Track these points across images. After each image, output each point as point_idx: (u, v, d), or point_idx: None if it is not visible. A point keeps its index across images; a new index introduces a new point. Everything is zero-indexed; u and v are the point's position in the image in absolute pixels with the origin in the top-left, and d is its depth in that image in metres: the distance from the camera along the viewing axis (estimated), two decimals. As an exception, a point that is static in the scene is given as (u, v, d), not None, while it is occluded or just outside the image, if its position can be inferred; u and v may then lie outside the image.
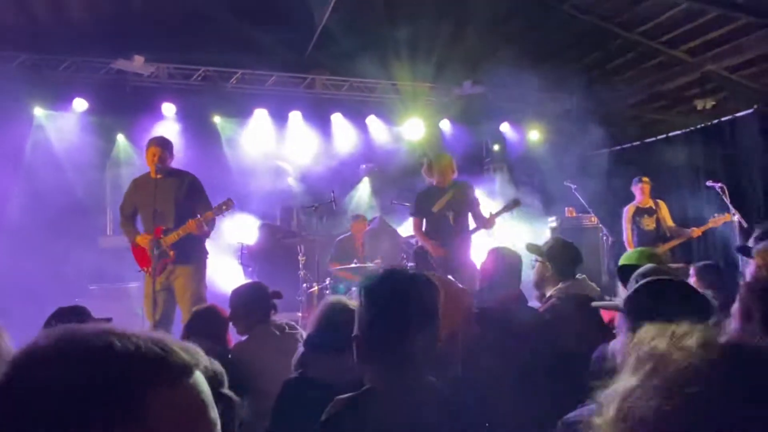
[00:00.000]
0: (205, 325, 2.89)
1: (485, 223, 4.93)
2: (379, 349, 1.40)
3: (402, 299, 1.41)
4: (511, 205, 5.05)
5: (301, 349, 2.23)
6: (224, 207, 4.40)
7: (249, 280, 6.54)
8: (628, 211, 6.38)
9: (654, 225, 6.23)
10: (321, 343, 2.05)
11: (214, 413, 0.66)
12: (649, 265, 2.51)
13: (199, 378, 0.66)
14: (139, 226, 4.58)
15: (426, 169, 5.20)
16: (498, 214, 4.98)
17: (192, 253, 4.44)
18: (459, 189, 5.09)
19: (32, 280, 6.53)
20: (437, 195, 5.05)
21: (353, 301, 2.35)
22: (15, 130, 6.85)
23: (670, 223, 6.31)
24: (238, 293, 3.07)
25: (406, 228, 7.61)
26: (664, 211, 6.35)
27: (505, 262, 2.80)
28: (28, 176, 6.95)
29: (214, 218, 4.47)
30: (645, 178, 6.39)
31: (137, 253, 4.50)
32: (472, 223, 5.06)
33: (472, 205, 5.08)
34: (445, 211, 5.00)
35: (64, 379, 0.58)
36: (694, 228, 6.15)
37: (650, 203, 6.33)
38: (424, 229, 5.11)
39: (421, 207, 5.13)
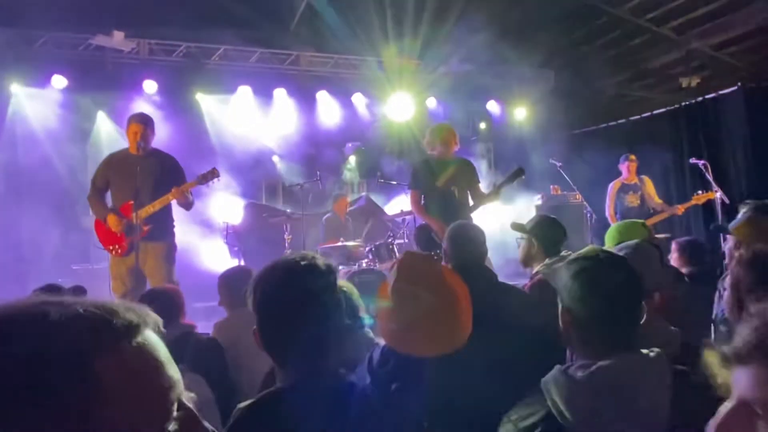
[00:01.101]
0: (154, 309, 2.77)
1: (484, 199, 4.70)
2: (274, 345, 1.32)
3: (287, 291, 1.32)
4: (516, 175, 4.71)
5: None
6: (209, 176, 4.30)
7: (234, 260, 6.54)
8: (612, 187, 6.48)
9: (638, 202, 6.32)
10: None
11: (173, 371, 0.65)
12: (632, 242, 2.53)
13: (150, 336, 0.64)
14: (108, 203, 4.42)
15: (428, 139, 4.85)
16: (503, 184, 4.68)
17: (164, 230, 4.33)
18: (462, 163, 4.86)
19: (15, 260, 6.47)
20: (439, 168, 4.69)
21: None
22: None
23: (656, 200, 6.39)
24: (225, 276, 3.09)
25: (392, 206, 7.61)
26: (650, 188, 6.43)
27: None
28: (6, 155, 6.82)
29: (191, 193, 4.38)
30: (632, 156, 6.49)
31: (102, 229, 4.29)
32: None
33: (474, 181, 4.84)
34: (450, 185, 4.66)
35: (5, 357, 0.55)
36: (678, 205, 6.24)
37: (635, 180, 6.44)
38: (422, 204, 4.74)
39: (420, 179, 4.70)
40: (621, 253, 2.46)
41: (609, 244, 3.14)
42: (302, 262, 1.36)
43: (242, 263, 6.62)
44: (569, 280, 1.43)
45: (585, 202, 6.70)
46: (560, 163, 6.35)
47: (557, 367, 1.33)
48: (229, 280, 3.04)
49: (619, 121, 8.97)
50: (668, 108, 8.28)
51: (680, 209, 6.20)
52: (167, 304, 2.68)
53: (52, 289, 2.71)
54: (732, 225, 2.71)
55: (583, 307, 1.39)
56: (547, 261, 2.83)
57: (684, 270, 3.45)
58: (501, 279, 2.65)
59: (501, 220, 7.88)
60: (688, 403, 1.19)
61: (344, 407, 1.24)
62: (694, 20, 7.73)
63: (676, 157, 7.78)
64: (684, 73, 8.71)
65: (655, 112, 8.43)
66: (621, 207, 6.34)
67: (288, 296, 1.31)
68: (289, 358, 1.31)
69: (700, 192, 6.14)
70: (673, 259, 3.59)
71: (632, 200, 6.33)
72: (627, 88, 9.52)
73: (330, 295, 1.36)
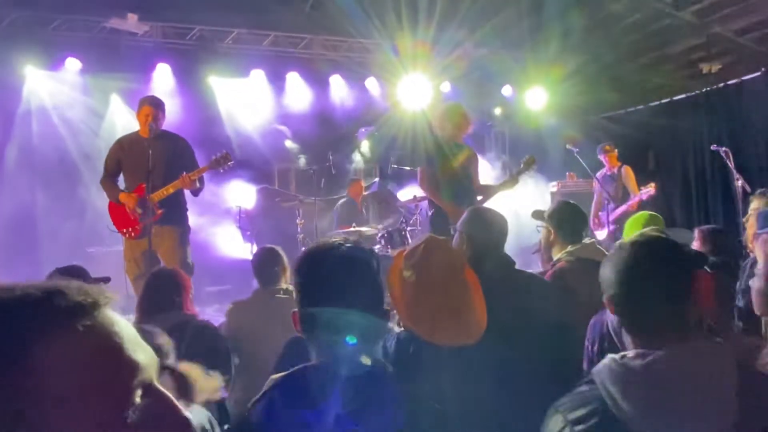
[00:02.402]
0: (156, 294, 2.72)
1: (499, 187, 4.68)
2: (312, 322, 1.31)
3: (335, 266, 1.32)
4: (529, 164, 4.77)
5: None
6: (222, 160, 4.27)
7: (247, 244, 6.54)
8: (596, 178, 6.58)
9: (615, 191, 6.36)
10: None
11: (140, 354, 0.60)
12: (645, 230, 2.48)
13: (106, 317, 0.59)
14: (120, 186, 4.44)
15: (440, 119, 4.68)
16: (519, 173, 4.72)
17: (178, 213, 4.34)
18: (472, 151, 4.77)
19: (29, 241, 6.52)
20: (452, 150, 4.53)
21: None
22: (7, 90, 6.73)
23: (635, 189, 6.37)
24: (255, 255, 3.29)
25: (405, 192, 7.56)
26: (629, 178, 6.46)
27: None
28: (21, 137, 6.85)
29: (202, 176, 4.37)
30: (608, 147, 6.57)
31: (116, 213, 4.31)
32: None
33: (477, 173, 4.75)
34: (465, 169, 4.55)
35: None
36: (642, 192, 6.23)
37: (614, 170, 6.52)
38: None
39: (434, 159, 4.49)
40: None
41: (629, 233, 3.10)
42: (347, 244, 1.37)
43: (255, 247, 6.63)
44: (616, 265, 1.37)
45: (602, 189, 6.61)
46: (577, 149, 6.25)
47: (610, 356, 1.25)
48: (257, 261, 3.15)
49: (638, 107, 8.80)
50: (689, 94, 8.11)
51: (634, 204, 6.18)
52: (168, 290, 2.65)
53: (75, 271, 2.69)
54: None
55: (633, 291, 1.33)
56: (569, 248, 2.78)
57: (707, 259, 3.37)
58: (520, 266, 2.60)
59: (516, 207, 7.82)
60: (755, 398, 1.14)
61: (373, 389, 1.23)
62: (715, 5, 7.53)
63: (697, 144, 7.62)
64: (705, 59, 8.52)
65: (675, 98, 8.25)
66: (604, 197, 6.36)
67: (335, 271, 1.31)
68: (327, 334, 1.30)
69: (641, 188, 6.20)
70: (696, 247, 3.51)
71: (610, 190, 6.35)
72: (647, 74, 9.33)
73: (374, 275, 1.36)
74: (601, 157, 6.59)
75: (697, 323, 1.34)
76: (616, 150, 6.54)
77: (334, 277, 1.30)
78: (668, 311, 1.28)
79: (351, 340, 1.28)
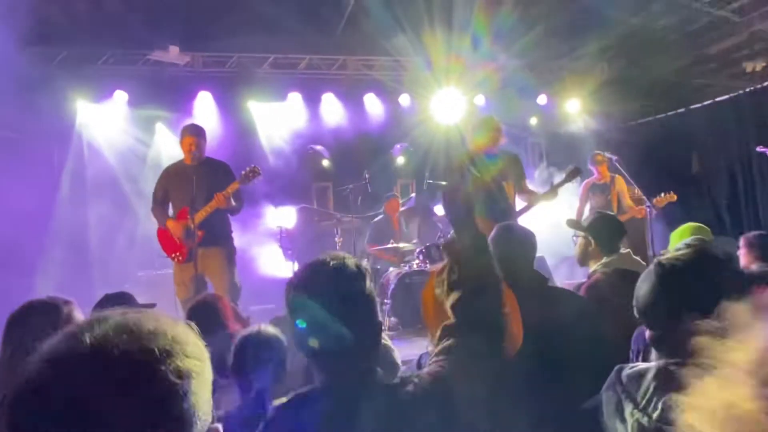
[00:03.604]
0: (200, 321, 2.78)
1: (540, 198, 4.65)
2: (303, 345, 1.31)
3: (320, 290, 1.31)
4: (572, 174, 4.71)
5: None
6: (251, 174, 4.39)
7: (288, 263, 6.67)
8: (584, 186, 6.46)
9: (603, 201, 6.23)
10: None
11: None
12: (693, 237, 2.46)
13: None
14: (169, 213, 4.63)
15: (473, 133, 4.75)
16: (560, 184, 4.65)
17: (221, 234, 4.46)
18: (510, 157, 4.76)
19: (83, 265, 6.83)
20: (486, 162, 4.54)
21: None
22: (61, 123, 7.11)
23: (628, 201, 6.25)
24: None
25: (441, 207, 7.57)
26: (621, 188, 6.32)
27: None
28: (74, 166, 7.21)
29: (241, 194, 4.48)
30: (599, 156, 6.40)
31: (164, 238, 4.49)
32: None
33: (522, 176, 4.73)
34: (499, 180, 4.55)
35: None
36: (642, 207, 6.03)
37: (607, 179, 6.35)
38: None
39: (464, 172, 4.55)
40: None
41: (675, 243, 3.05)
42: (332, 263, 1.35)
43: (296, 265, 6.75)
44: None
45: (644, 197, 6.46)
46: (616, 157, 6.14)
47: None
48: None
49: (679, 111, 8.58)
50: (731, 95, 7.86)
51: (642, 211, 5.98)
52: (206, 316, 2.72)
53: (122, 298, 2.82)
54: None
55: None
56: (604, 260, 2.76)
57: (753, 267, 3.26)
58: (556, 276, 2.59)
59: (556, 216, 7.70)
60: None
61: (382, 410, 1.23)
62: (755, 1, 7.31)
63: (742, 146, 7.37)
64: (748, 57, 8.26)
65: (717, 99, 8.02)
66: (590, 207, 6.29)
67: (317, 296, 1.30)
68: (320, 358, 1.30)
69: (663, 194, 6.00)
70: (742, 255, 3.41)
71: (599, 200, 6.23)
72: (686, 76, 9.10)
73: (360, 296, 1.34)
74: (592, 167, 6.41)
75: None
76: (607, 160, 6.33)
77: (320, 294, 1.30)
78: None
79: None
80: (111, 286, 5.68)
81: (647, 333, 1.44)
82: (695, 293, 1.32)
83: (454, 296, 1.47)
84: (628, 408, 1.31)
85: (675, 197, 6.01)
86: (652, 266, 1.44)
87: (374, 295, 1.39)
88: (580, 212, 6.38)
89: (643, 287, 1.43)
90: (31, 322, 1.83)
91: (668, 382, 1.25)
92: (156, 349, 0.67)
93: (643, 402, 1.28)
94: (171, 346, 0.69)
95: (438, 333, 1.47)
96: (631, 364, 1.38)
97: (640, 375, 1.33)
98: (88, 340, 0.66)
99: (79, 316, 1.96)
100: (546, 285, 2.31)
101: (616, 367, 1.40)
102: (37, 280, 6.25)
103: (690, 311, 1.27)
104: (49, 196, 6.79)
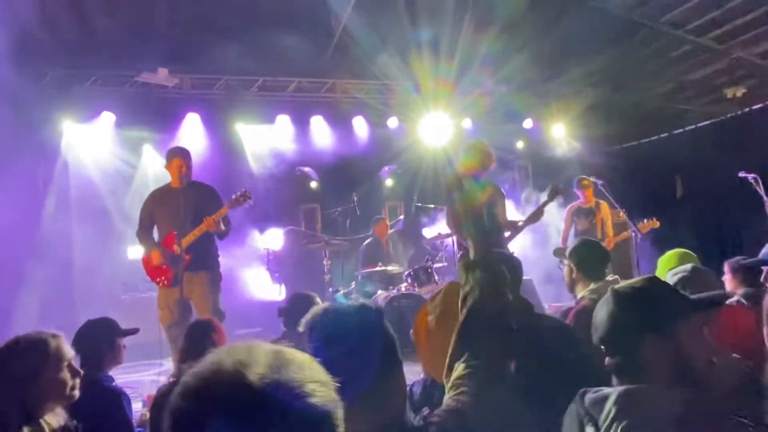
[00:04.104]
0: (195, 344, 2.79)
1: (526, 221, 4.73)
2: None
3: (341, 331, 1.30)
4: (554, 193, 4.78)
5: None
6: (241, 199, 4.37)
7: (276, 286, 6.63)
8: (568, 209, 6.53)
9: (588, 225, 6.31)
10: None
11: None
12: (689, 266, 2.47)
13: None
14: (155, 237, 4.58)
15: (463, 157, 4.76)
16: (544, 204, 4.74)
17: (209, 259, 4.44)
18: (496, 186, 4.85)
19: (67, 288, 6.72)
20: (476, 186, 4.57)
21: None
22: (47, 143, 7.06)
23: (609, 228, 6.37)
24: (287, 301, 3.40)
25: (430, 230, 7.59)
26: (605, 214, 6.42)
27: None
28: (59, 188, 7.14)
29: (229, 218, 4.46)
30: (585, 181, 6.45)
31: (149, 263, 4.45)
32: None
33: (503, 208, 4.79)
34: (488, 204, 4.61)
35: None
36: (627, 231, 6.19)
37: (591, 204, 6.42)
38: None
39: (453, 198, 4.55)
40: (678, 277, 2.41)
41: (662, 269, 3.06)
42: (354, 306, 1.39)
43: (283, 288, 6.71)
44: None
45: (629, 221, 6.53)
46: (601, 182, 6.22)
47: None
48: (290, 306, 3.25)
49: (662, 135, 8.73)
50: (713, 120, 8.02)
51: (616, 238, 6.24)
52: (205, 339, 2.72)
53: (104, 324, 2.79)
54: (762, 253, 2.61)
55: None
56: (592, 286, 2.76)
57: (739, 291, 3.29)
58: (543, 298, 2.59)
59: (544, 238, 7.76)
60: None
61: None
62: (736, 29, 7.51)
63: (725, 171, 7.47)
64: (729, 84, 8.45)
65: (699, 124, 8.17)
66: (575, 230, 6.38)
67: (343, 337, 1.29)
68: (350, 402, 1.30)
69: (645, 220, 6.14)
70: (727, 280, 3.43)
71: (583, 224, 6.31)
72: (669, 101, 9.29)
73: (383, 336, 1.35)
74: (578, 191, 6.47)
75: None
76: (592, 184, 6.39)
77: (346, 342, 1.28)
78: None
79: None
80: (94, 307, 5.61)
81: (606, 360, 1.47)
82: (651, 317, 1.38)
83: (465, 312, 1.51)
84: (589, 431, 1.33)
85: (658, 223, 6.11)
86: (608, 294, 1.49)
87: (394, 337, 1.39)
88: (565, 236, 6.45)
89: (600, 315, 1.48)
90: (20, 358, 1.81)
91: (629, 407, 1.29)
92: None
93: (605, 426, 1.29)
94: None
95: (446, 364, 1.46)
96: (595, 388, 1.40)
97: (603, 399, 1.35)
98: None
99: (68, 349, 1.93)
100: (532, 312, 2.31)
101: (581, 391, 1.43)
102: (19, 299, 6.15)
103: (647, 334, 1.36)
104: (33, 216, 6.71)
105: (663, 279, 2.92)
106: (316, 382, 0.75)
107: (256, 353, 0.75)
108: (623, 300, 1.43)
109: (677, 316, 1.38)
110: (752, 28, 7.39)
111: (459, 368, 1.44)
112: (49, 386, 1.82)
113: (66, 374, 1.87)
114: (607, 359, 1.45)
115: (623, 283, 1.52)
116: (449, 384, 1.43)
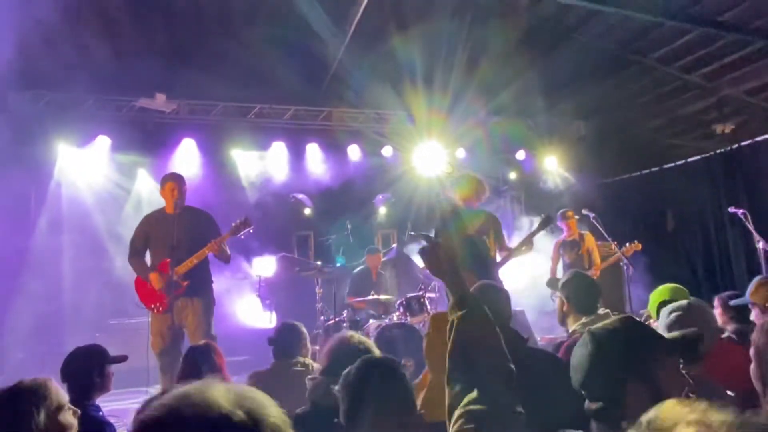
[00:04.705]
0: (194, 367, 2.81)
1: (516, 251, 4.79)
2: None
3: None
4: (545, 223, 4.84)
5: (313, 381, 2.24)
6: (242, 226, 4.36)
7: (266, 313, 6.57)
8: (555, 244, 6.62)
9: (575, 257, 6.38)
10: (334, 376, 2.05)
11: None
12: (684, 302, 2.46)
13: None
14: (148, 262, 4.57)
15: (456, 188, 4.96)
16: (534, 233, 4.80)
17: (203, 285, 4.43)
18: (490, 215, 4.95)
19: (55, 313, 6.64)
20: (469, 216, 4.75)
21: (363, 336, 2.37)
22: (40, 166, 7.05)
23: (596, 257, 6.43)
24: (276, 331, 3.35)
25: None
26: (590, 244, 6.49)
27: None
28: (51, 211, 7.11)
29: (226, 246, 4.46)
30: (568, 213, 6.60)
31: (142, 288, 4.41)
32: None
33: (501, 235, 4.90)
34: (481, 233, 4.72)
35: None
36: (610, 258, 6.38)
37: (575, 236, 6.51)
38: None
39: (450, 227, 4.81)
40: (675, 315, 2.40)
41: (654, 304, 3.07)
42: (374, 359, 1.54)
43: (274, 316, 6.65)
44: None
45: (621, 254, 6.57)
46: (593, 214, 6.27)
47: None
48: (278, 335, 3.25)
49: (653, 170, 8.84)
50: (703, 155, 8.14)
51: (599, 268, 6.30)
52: (204, 362, 2.72)
53: (94, 352, 2.77)
54: (748, 291, 2.63)
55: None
56: (583, 320, 2.77)
57: (729, 327, 3.30)
58: (536, 330, 2.58)
59: (536, 270, 7.77)
60: None
61: None
62: (724, 67, 7.67)
63: (714, 206, 7.57)
64: (718, 120, 8.60)
65: (689, 159, 8.29)
66: (562, 262, 6.45)
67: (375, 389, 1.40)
68: None
69: (628, 244, 6.26)
70: (717, 314, 3.44)
71: (570, 256, 6.38)
72: (659, 136, 9.43)
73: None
74: (561, 224, 6.52)
75: None
76: (576, 217, 6.52)
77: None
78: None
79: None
80: (83, 332, 5.54)
81: (586, 404, 1.43)
82: (632, 361, 1.35)
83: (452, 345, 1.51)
84: None
85: (639, 246, 6.22)
86: (585, 336, 1.45)
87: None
88: (554, 270, 6.52)
89: (579, 358, 1.44)
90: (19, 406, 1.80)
91: None
92: None
93: None
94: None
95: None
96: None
97: None
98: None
99: (62, 394, 1.92)
100: (524, 344, 2.30)
101: None
102: (7, 323, 6.07)
103: (628, 379, 1.33)
104: (24, 237, 6.66)
105: (654, 314, 2.93)
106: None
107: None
108: (602, 343, 1.39)
109: (657, 359, 1.36)
110: (740, 66, 7.56)
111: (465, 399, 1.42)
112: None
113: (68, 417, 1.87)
114: (587, 403, 1.41)
115: (599, 325, 1.48)
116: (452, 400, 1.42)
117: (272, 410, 0.78)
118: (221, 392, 0.76)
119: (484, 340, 1.49)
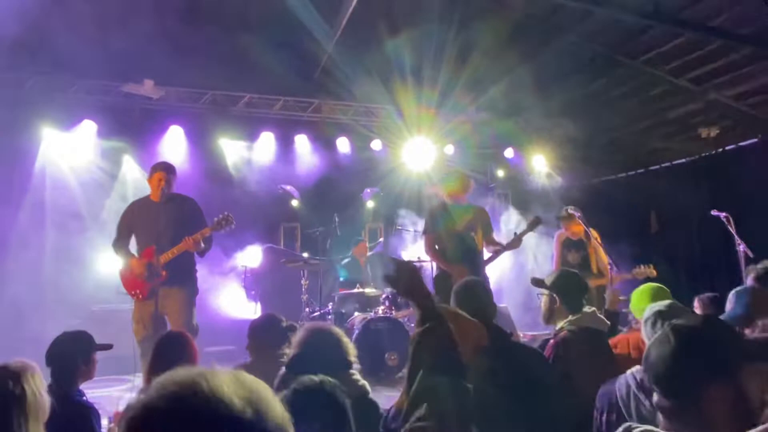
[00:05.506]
0: (164, 358, 2.70)
1: (504, 248, 4.83)
2: None
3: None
4: (534, 224, 4.90)
5: (282, 370, 2.26)
6: (223, 222, 4.35)
7: (251, 303, 6.55)
8: (557, 238, 6.05)
9: (579, 259, 5.86)
10: (302, 365, 2.07)
11: None
12: (667, 302, 2.47)
13: None
14: (133, 249, 4.53)
15: (443, 184, 4.99)
16: (523, 233, 4.83)
17: (186, 275, 4.40)
18: (479, 210, 5.00)
19: (37, 298, 6.56)
20: (457, 212, 4.79)
21: (336, 328, 2.39)
22: (24, 149, 6.94)
23: (603, 259, 5.71)
24: (254, 324, 3.24)
25: (409, 252, 7.61)
26: (600, 252, 5.74)
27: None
28: (35, 195, 7.01)
29: (211, 236, 4.43)
30: (569, 213, 5.79)
31: (125, 276, 4.40)
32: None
33: (490, 229, 4.95)
34: (469, 229, 4.76)
35: None
36: (614, 275, 5.45)
37: (581, 236, 5.85)
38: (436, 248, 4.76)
39: (437, 224, 4.80)
40: (654, 311, 2.42)
41: (636, 303, 3.09)
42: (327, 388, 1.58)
43: (259, 307, 6.63)
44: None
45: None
46: (579, 213, 6.29)
47: None
48: (258, 328, 3.17)
49: (639, 171, 8.94)
50: (688, 158, 8.24)
51: (616, 279, 5.45)
52: (175, 353, 2.66)
53: (81, 338, 2.74)
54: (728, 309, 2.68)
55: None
56: (570, 318, 2.80)
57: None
58: (519, 327, 2.62)
59: (521, 267, 7.83)
60: None
61: None
62: (712, 71, 7.76)
63: (698, 209, 7.68)
64: (704, 123, 8.70)
65: (675, 162, 8.38)
66: (563, 261, 5.90)
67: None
68: None
69: (641, 266, 5.76)
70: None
71: (573, 257, 5.89)
72: (646, 138, 9.52)
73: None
74: (564, 229, 6.02)
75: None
76: (576, 214, 5.68)
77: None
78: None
79: None
80: (64, 318, 5.47)
81: (655, 398, 1.37)
82: (719, 363, 1.30)
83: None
84: None
85: (655, 272, 5.73)
86: (666, 331, 1.38)
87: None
88: (558, 263, 5.99)
89: (658, 353, 1.36)
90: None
91: None
92: None
93: None
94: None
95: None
96: (639, 426, 1.32)
97: None
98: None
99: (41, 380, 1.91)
100: (510, 340, 2.33)
101: (625, 426, 1.34)
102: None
103: (713, 381, 1.26)
104: (7, 221, 6.56)
105: (637, 314, 2.96)
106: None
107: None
108: (688, 341, 1.33)
109: (742, 361, 1.30)
110: (728, 71, 7.65)
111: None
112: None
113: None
114: (656, 397, 1.35)
115: (681, 321, 1.41)
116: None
117: (277, 407, 0.77)
118: (228, 383, 0.74)
119: (440, 348, 1.53)
